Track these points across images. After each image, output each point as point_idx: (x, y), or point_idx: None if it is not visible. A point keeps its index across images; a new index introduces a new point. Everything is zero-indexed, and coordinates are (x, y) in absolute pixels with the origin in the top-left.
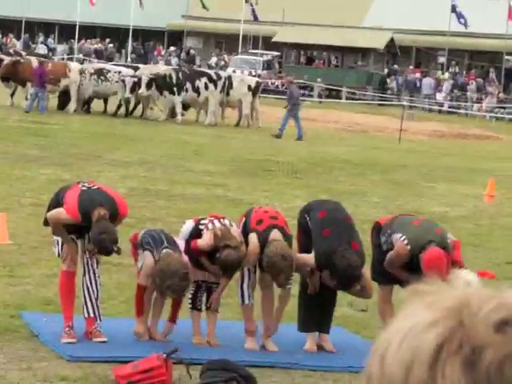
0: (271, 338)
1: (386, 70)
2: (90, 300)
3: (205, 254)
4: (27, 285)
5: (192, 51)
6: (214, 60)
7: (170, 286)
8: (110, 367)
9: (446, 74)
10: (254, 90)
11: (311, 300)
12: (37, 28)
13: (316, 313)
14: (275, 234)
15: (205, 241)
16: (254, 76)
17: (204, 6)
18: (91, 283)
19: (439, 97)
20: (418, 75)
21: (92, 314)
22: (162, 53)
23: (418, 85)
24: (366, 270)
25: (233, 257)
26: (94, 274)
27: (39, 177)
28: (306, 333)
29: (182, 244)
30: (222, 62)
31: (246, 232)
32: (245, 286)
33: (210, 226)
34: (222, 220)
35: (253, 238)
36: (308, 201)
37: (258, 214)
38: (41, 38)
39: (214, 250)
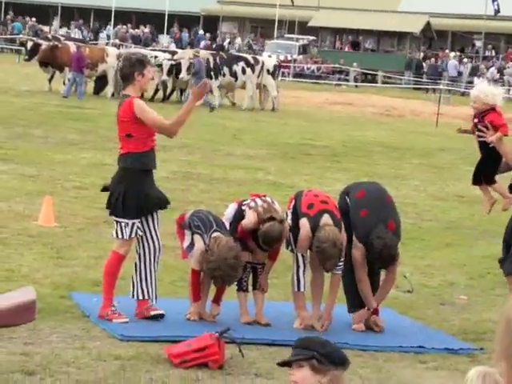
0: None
1: (421, 54)
2: (152, 282)
3: (251, 237)
4: (75, 266)
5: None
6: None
7: (221, 276)
8: (161, 347)
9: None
10: (272, 73)
11: (355, 281)
12: (76, 12)
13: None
14: (326, 219)
15: (249, 220)
16: (290, 61)
17: None
18: (155, 265)
19: (477, 81)
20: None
21: (147, 297)
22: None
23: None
24: None
25: (275, 229)
26: (158, 255)
27: (80, 161)
28: (353, 313)
29: (227, 227)
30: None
31: (295, 215)
32: (300, 272)
33: (252, 204)
34: (263, 198)
35: (304, 223)
36: (348, 184)
37: (309, 198)
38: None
39: (259, 228)
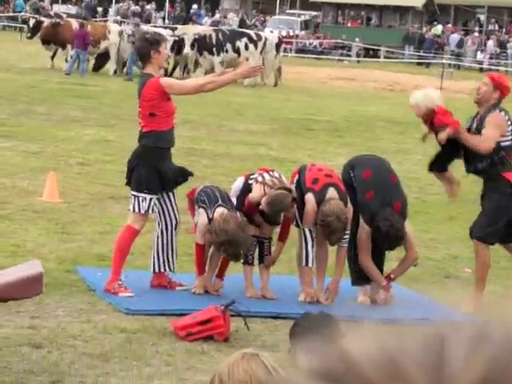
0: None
1: (424, 29)
2: (173, 254)
3: (258, 211)
4: (80, 241)
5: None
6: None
7: (229, 254)
8: (167, 320)
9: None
10: (277, 47)
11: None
12: None
13: None
14: (332, 193)
15: (256, 193)
16: (292, 36)
17: None
18: (174, 238)
19: (480, 56)
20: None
21: (162, 269)
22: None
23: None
24: (408, 229)
25: (284, 197)
26: (177, 229)
27: (83, 137)
28: (357, 286)
29: (233, 201)
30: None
31: (300, 190)
32: (309, 247)
33: (259, 178)
34: (271, 172)
35: (310, 197)
36: (352, 156)
37: (313, 173)
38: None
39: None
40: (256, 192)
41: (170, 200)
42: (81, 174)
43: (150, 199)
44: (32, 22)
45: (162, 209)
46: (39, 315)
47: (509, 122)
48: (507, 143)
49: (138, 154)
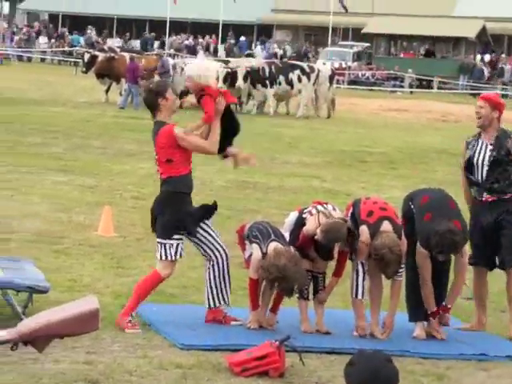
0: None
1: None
2: (226, 287)
3: (312, 245)
4: (135, 276)
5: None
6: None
7: (283, 289)
8: (222, 355)
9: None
10: (330, 79)
11: (418, 289)
12: (132, 24)
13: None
14: (386, 226)
15: (311, 225)
16: (345, 68)
17: None
18: (227, 271)
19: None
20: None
21: (217, 304)
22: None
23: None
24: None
25: (339, 225)
26: (228, 261)
27: (138, 171)
28: (414, 322)
29: (287, 236)
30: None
31: (354, 223)
32: (360, 280)
33: (313, 211)
34: (325, 205)
35: (364, 230)
36: (406, 191)
37: (368, 206)
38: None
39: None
40: (311, 224)
41: (209, 233)
42: (135, 208)
43: (177, 245)
44: (87, 56)
45: (206, 244)
46: (95, 350)
47: None
48: None
49: (161, 200)
